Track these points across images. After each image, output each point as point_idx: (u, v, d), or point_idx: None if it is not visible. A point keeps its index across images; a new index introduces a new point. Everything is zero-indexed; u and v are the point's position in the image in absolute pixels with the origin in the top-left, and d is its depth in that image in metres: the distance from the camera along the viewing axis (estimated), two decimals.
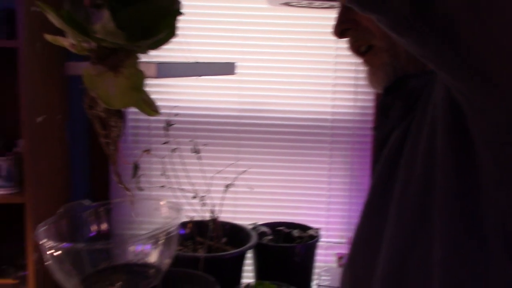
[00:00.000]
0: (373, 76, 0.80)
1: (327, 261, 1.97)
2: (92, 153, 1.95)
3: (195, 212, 1.66)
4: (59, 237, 0.72)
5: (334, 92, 1.94)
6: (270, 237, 1.77)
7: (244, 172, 1.81)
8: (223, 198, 1.69)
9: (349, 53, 0.82)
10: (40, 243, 0.68)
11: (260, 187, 1.95)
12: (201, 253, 1.60)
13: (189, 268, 1.54)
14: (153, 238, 0.70)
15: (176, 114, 1.60)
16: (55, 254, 0.69)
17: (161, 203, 0.79)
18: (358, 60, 0.83)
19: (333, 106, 1.94)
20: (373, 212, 0.75)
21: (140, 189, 0.92)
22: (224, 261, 1.63)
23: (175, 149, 1.59)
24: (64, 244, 0.70)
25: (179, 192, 1.63)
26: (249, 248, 1.65)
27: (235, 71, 1.74)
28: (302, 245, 1.73)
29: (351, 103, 1.93)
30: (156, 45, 0.65)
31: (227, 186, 1.73)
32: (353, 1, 0.53)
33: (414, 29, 0.50)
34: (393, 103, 0.78)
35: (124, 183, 0.67)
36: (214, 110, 1.96)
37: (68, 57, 1.83)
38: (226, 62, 1.76)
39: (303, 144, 1.96)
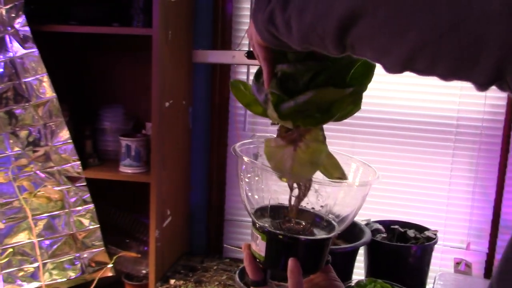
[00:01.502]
0: None
1: (442, 265, 1.87)
2: (211, 137, 2.02)
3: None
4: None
5: (462, 88, 1.82)
6: (384, 235, 1.73)
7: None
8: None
9: None
10: (239, 157, 0.72)
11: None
12: None
13: None
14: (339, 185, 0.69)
15: None
16: (245, 169, 0.73)
17: (353, 163, 0.77)
18: None
19: (460, 103, 1.83)
20: None
21: None
22: (335, 255, 1.61)
23: None
24: (253, 161, 0.73)
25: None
26: (363, 244, 1.62)
27: None
28: (419, 246, 1.67)
29: (481, 101, 1.80)
30: (341, 118, 0.66)
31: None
32: None
33: None
34: None
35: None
36: None
37: (195, 46, 1.91)
38: None
39: (423, 142, 1.87)
